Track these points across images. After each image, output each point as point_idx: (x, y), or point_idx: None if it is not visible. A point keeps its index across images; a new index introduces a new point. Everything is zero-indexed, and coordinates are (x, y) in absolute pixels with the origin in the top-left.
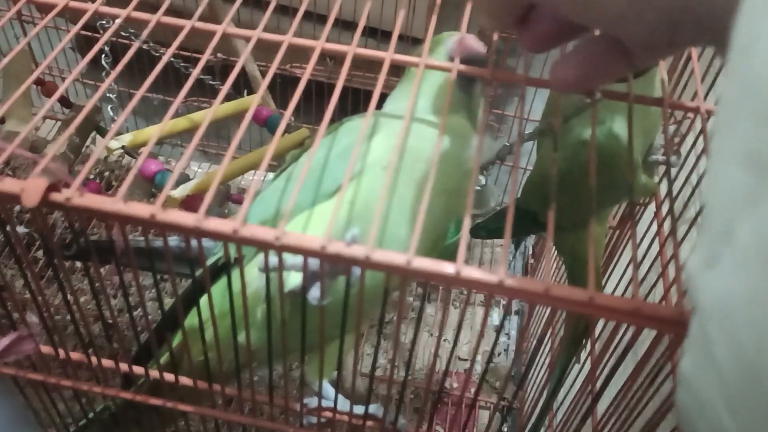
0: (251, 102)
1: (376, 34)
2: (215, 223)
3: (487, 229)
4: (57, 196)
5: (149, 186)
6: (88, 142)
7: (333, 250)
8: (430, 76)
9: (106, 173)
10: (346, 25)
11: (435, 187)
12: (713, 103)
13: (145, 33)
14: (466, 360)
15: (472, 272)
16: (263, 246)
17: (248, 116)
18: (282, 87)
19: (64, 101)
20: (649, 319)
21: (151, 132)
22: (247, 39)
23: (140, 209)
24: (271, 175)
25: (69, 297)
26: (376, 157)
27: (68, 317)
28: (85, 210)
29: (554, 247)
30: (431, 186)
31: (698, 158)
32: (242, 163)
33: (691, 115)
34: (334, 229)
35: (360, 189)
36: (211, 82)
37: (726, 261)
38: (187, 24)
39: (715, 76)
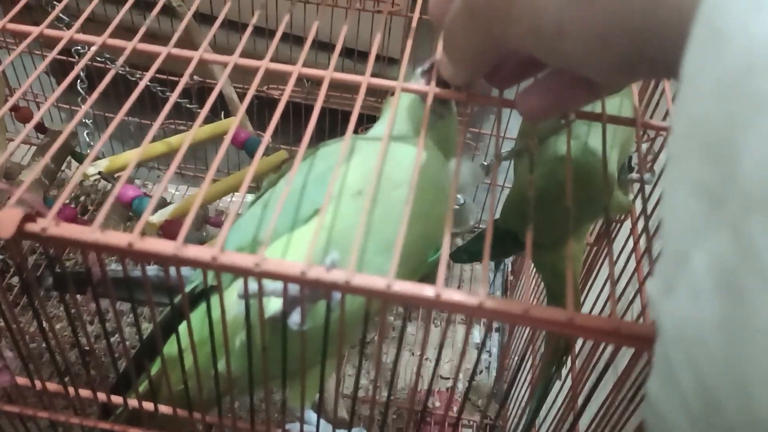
0: (229, 125)
1: (353, 55)
2: (194, 251)
3: (468, 252)
4: (33, 227)
5: (126, 210)
6: (63, 167)
7: (313, 276)
8: (405, 99)
9: (82, 197)
10: (322, 46)
11: (410, 214)
12: None
13: (121, 60)
14: (448, 378)
15: (453, 295)
16: (243, 272)
17: (227, 140)
18: (259, 108)
19: (39, 126)
20: (628, 338)
21: (128, 157)
22: (224, 64)
23: (118, 238)
24: (249, 196)
25: (44, 324)
26: (348, 184)
27: (44, 345)
28: (62, 240)
29: (533, 265)
30: (406, 213)
31: None
32: (221, 186)
33: (663, 133)
34: (312, 254)
35: (333, 215)
36: (188, 106)
37: (682, 288)
38: (163, 51)
39: None
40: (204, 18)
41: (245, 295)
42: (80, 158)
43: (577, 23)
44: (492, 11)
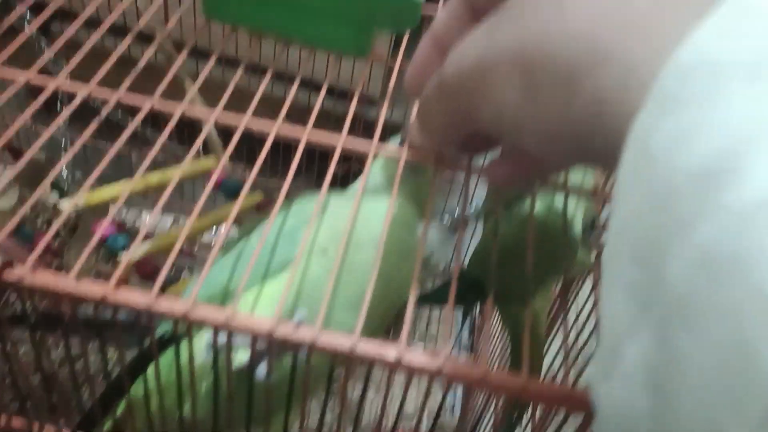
0: (207, 165)
1: (333, 93)
2: (167, 305)
3: (434, 298)
4: (10, 275)
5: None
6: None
7: (281, 333)
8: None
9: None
10: (302, 83)
11: (382, 283)
12: None
13: (104, 113)
14: (412, 417)
15: (414, 358)
16: (213, 327)
17: (209, 186)
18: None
19: (14, 151)
20: (581, 406)
21: (104, 194)
22: (206, 119)
23: (92, 289)
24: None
25: (8, 348)
26: (316, 242)
27: (7, 369)
28: (38, 290)
29: (499, 317)
30: (369, 272)
31: None
32: (196, 226)
33: None
34: (281, 309)
35: (301, 272)
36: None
37: (616, 377)
38: (146, 104)
39: None
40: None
41: (214, 347)
42: (56, 186)
43: (530, 122)
44: (462, 97)
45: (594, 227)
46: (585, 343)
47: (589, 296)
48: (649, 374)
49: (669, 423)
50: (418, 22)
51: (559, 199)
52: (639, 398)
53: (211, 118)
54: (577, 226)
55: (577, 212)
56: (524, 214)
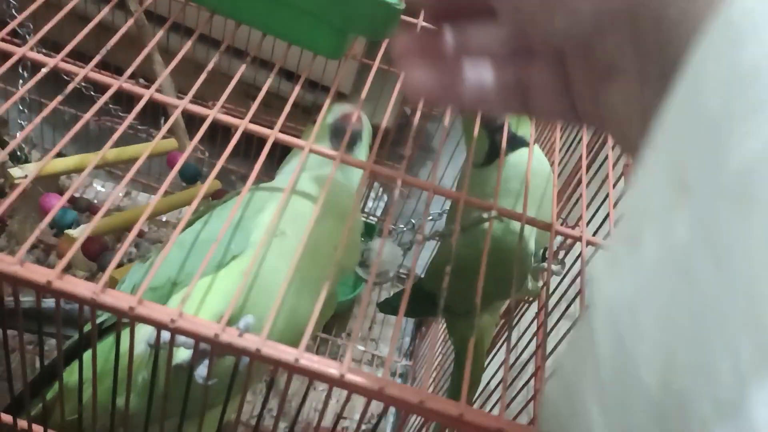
0: (168, 145)
1: (305, 84)
2: (112, 298)
3: (392, 305)
4: None
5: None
6: None
7: (225, 339)
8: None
9: (0, 180)
10: (263, 64)
11: (327, 254)
12: (592, 234)
13: (71, 87)
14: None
15: (355, 377)
16: (157, 325)
17: (175, 171)
18: (199, 121)
19: None
20: None
21: (58, 165)
22: (175, 106)
23: (36, 273)
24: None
25: None
26: (269, 227)
27: None
28: None
29: (447, 329)
30: (326, 256)
31: (573, 280)
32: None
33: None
34: (228, 302)
35: (257, 260)
36: (140, 126)
37: (628, 267)
38: (114, 83)
39: (597, 209)
40: (160, 19)
41: (156, 345)
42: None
43: None
44: None
45: (545, 258)
46: (524, 366)
47: (531, 322)
48: (677, 261)
49: (697, 309)
50: (395, 31)
51: (515, 226)
52: (655, 287)
53: (179, 106)
54: (531, 247)
55: (530, 241)
56: (481, 235)
